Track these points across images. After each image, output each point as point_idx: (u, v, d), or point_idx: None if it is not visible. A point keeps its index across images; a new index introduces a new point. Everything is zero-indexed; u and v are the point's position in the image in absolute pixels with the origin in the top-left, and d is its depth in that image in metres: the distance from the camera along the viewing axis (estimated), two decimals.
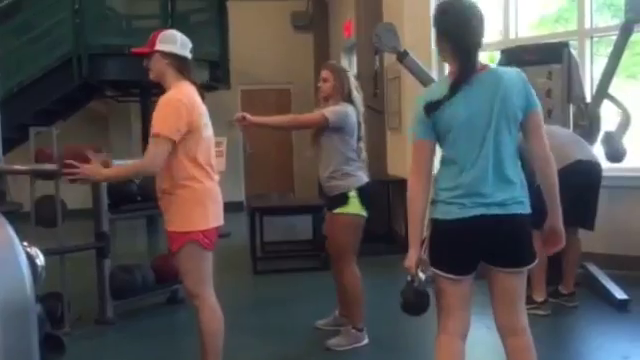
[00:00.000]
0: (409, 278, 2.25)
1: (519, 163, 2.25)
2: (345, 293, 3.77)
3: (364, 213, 3.67)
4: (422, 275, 2.23)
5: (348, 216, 3.64)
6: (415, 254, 2.24)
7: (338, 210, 3.66)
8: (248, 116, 3.54)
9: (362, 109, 3.79)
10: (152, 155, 2.85)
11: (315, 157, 3.79)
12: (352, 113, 3.67)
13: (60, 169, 3.20)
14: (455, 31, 2.21)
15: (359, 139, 3.74)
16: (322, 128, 3.65)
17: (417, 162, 2.27)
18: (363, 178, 3.70)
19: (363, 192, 3.65)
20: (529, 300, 4.26)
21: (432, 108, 2.19)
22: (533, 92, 2.25)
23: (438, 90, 2.25)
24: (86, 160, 2.98)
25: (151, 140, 2.85)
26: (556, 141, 3.53)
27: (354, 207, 3.63)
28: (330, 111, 3.62)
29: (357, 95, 3.75)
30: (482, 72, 2.21)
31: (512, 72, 2.27)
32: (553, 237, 2.35)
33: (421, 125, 2.23)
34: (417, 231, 2.25)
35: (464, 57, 2.19)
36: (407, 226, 6.72)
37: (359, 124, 3.73)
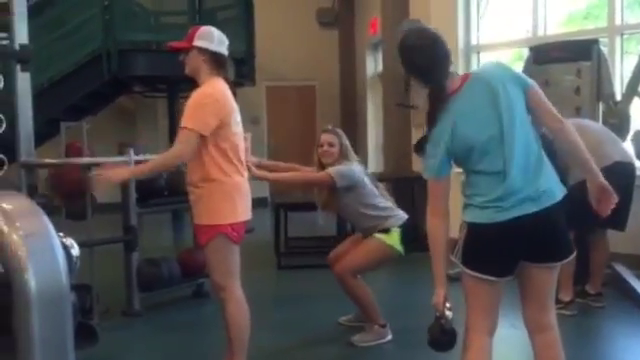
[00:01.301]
0: (437, 314, 2.26)
1: (540, 142, 2.22)
2: (354, 300, 3.77)
3: (401, 251, 3.64)
4: (449, 313, 2.24)
5: (386, 246, 3.62)
6: (442, 292, 2.25)
7: (379, 236, 3.63)
8: (253, 169, 3.44)
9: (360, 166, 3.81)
10: (180, 147, 2.89)
11: (332, 218, 3.79)
12: (357, 168, 3.72)
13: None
14: (421, 69, 2.23)
15: (376, 187, 3.77)
16: (334, 191, 3.66)
17: (434, 201, 2.26)
18: (402, 215, 3.71)
19: (406, 230, 3.64)
20: (556, 300, 4.23)
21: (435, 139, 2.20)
22: (519, 73, 2.27)
23: (447, 122, 2.22)
24: (75, 177, 3.05)
25: (180, 132, 2.89)
26: (592, 138, 3.48)
27: (395, 240, 3.62)
28: (336, 171, 3.64)
29: (354, 155, 3.80)
30: (467, 82, 2.22)
31: (491, 67, 2.32)
32: (603, 195, 2.27)
33: (438, 164, 2.22)
34: (441, 269, 2.25)
35: (432, 86, 2.21)
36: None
37: (372, 177, 3.80)
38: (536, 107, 2.22)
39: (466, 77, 2.25)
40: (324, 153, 3.75)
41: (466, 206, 2.25)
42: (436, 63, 2.21)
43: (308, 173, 3.92)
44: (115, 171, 3.01)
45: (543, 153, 2.22)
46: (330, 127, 3.94)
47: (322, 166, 3.77)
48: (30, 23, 3.94)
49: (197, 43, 2.98)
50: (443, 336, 2.26)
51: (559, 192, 2.21)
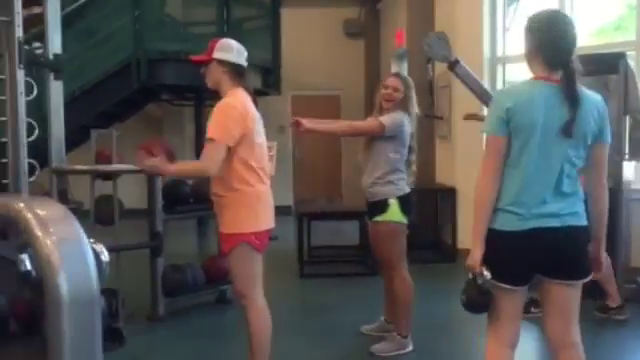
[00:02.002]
0: (470, 276, 2.25)
1: (579, 182, 2.26)
2: (395, 299, 3.79)
3: (405, 220, 3.69)
4: (486, 273, 2.22)
5: (389, 224, 3.66)
6: (479, 252, 2.23)
7: (378, 218, 3.68)
8: (303, 121, 3.54)
9: (415, 124, 3.79)
10: (209, 158, 2.94)
11: (363, 162, 3.81)
12: (407, 123, 3.70)
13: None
14: (555, 42, 2.23)
15: (410, 151, 3.77)
16: (376, 136, 3.67)
17: (490, 158, 2.24)
18: (405, 188, 3.72)
19: (404, 200, 3.68)
20: (604, 308, 4.22)
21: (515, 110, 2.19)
22: (608, 125, 2.27)
23: (522, 91, 2.25)
24: (153, 154, 3.07)
25: (207, 144, 2.95)
26: None
27: (394, 214, 3.65)
28: (388, 118, 3.64)
29: (415, 109, 3.77)
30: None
31: (596, 97, 2.28)
32: (596, 263, 2.35)
33: (499, 121, 2.21)
34: (483, 229, 2.23)
35: (566, 68, 2.21)
36: (454, 235, 6.67)
37: (412, 136, 3.75)
38: (595, 162, 2.27)
39: None
40: (387, 96, 3.72)
41: (493, 210, 2.25)
42: (564, 41, 2.23)
43: (358, 122, 3.91)
44: (158, 162, 3.02)
45: (580, 191, 2.26)
46: (398, 72, 3.94)
47: (382, 110, 3.74)
48: (63, 33, 4.05)
49: (217, 55, 3.03)
50: (480, 296, 2.24)
51: (584, 220, 2.25)
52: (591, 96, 2.26)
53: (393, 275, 3.74)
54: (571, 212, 2.21)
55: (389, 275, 3.79)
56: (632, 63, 4.99)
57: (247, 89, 3.10)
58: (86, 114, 7.34)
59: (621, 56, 4.88)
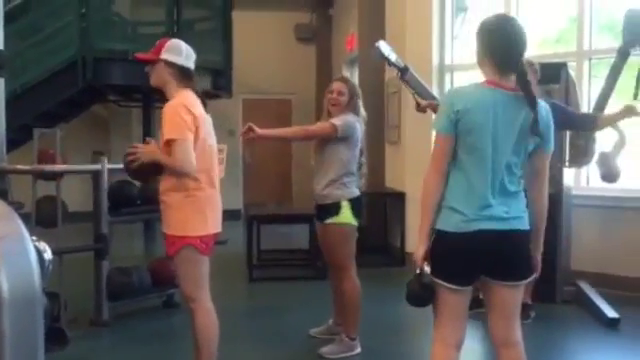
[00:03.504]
0: (417, 271, 2.30)
1: (522, 182, 2.32)
2: (343, 301, 3.81)
3: (355, 222, 3.72)
4: (427, 269, 2.27)
5: (340, 226, 3.70)
6: (424, 248, 2.27)
7: (330, 220, 3.70)
8: (255, 128, 3.52)
9: (364, 126, 3.84)
10: (179, 160, 2.85)
11: (316, 165, 3.83)
12: (358, 125, 3.74)
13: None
14: (505, 47, 2.27)
15: (361, 153, 3.82)
16: (328, 138, 3.69)
17: (437, 157, 2.29)
18: (355, 192, 3.76)
19: (355, 202, 3.72)
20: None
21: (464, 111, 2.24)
22: (552, 135, 2.33)
23: (471, 95, 2.29)
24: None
25: (171, 147, 2.84)
26: None
27: (346, 217, 3.68)
28: (339, 120, 3.67)
29: (363, 112, 3.82)
30: (516, 91, 2.27)
31: (542, 105, 2.34)
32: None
33: (448, 121, 2.25)
34: (427, 225, 2.28)
35: (518, 72, 2.26)
36: (403, 239, 6.73)
37: (362, 139, 3.80)
38: (536, 170, 2.33)
39: (517, 88, 2.30)
40: (332, 100, 3.75)
41: (439, 209, 2.30)
42: (514, 45, 2.27)
43: (310, 125, 3.95)
44: (149, 148, 2.94)
45: (522, 191, 2.32)
46: (343, 75, 3.98)
47: (330, 114, 3.77)
48: (5, 29, 3.92)
49: (165, 56, 2.97)
50: (421, 290, 2.28)
51: (527, 224, 2.31)
52: (541, 105, 2.32)
53: (343, 277, 3.77)
54: (516, 216, 2.27)
55: (338, 277, 3.81)
56: (572, 73, 5.19)
57: (195, 91, 3.05)
58: (28, 113, 7.12)
59: (562, 66, 5.07)
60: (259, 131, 3.54)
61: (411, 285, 2.31)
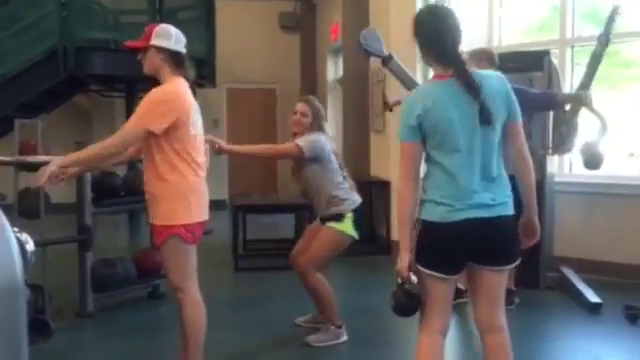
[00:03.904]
0: (399, 280, 2.29)
1: (502, 162, 2.31)
2: (312, 294, 3.81)
3: (354, 235, 3.71)
4: (414, 278, 2.28)
5: (339, 234, 3.69)
6: (407, 257, 2.28)
7: (331, 224, 3.70)
8: (222, 144, 3.55)
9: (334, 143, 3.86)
10: (121, 135, 2.89)
11: (302, 190, 3.83)
12: (325, 141, 3.75)
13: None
14: (438, 37, 2.27)
15: (341, 167, 3.81)
16: (301, 160, 3.71)
17: (406, 166, 2.29)
18: (357, 199, 3.77)
19: (357, 214, 3.72)
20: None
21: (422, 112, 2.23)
22: (516, 100, 2.32)
23: (427, 94, 2.29)
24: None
25: (127, 122, 2.89)
26: None
27: (348, 227, 3.68)
28: (304, 141, 3.67)
29: (326, 126, 3.84)
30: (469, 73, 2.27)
31: (494, 76, 2.35)
32: (530, 230, 2.42)
33: (411, 129, 2.26)
34: (407, 235, 2.28)
35: (455, 60, 2.25)
36: (389, 228, 6.75)
37: (336, 154, 3.81)
38: (510, 136, 2.31)
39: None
40: (295, 122, 3.77)
41: (422, 202, 2.31)
42: (447, 34, 2.26)
43: (276, 145, 3.98)
44: (39, 174, 2.83)
45: (504, 173, 2.31)
46: (307, 96, 3.99)
47: (295, 136, 3.78)
48: None
49: (154, 42, 2.95)
50: (408, 301, 2.28)
51: (512, 208, 2.31)
52: (492, 78, 2.31)
53: (307, 277, 3.72)
54: (501, 202, 2.27)
55: (303, 277, 3.75)
56: (555, 61, 5.22)
57: (186, 78, 3.03)
58: (8, 104, 7.04)
59: (545, 54, 5.10)
60: (225, 147, 3.58)
61: (397, 296, 2.30)
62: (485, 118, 2.21)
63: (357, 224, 3.71)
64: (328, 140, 3.79)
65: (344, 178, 3.80)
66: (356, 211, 3.72)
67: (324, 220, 3.77)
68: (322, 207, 3.75)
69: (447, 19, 2.30)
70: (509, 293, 3.72)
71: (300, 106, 3.81)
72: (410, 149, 2.28)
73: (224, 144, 3.59)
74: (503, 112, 2.26)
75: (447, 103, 2.23)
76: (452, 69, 2.25)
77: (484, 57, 4.20)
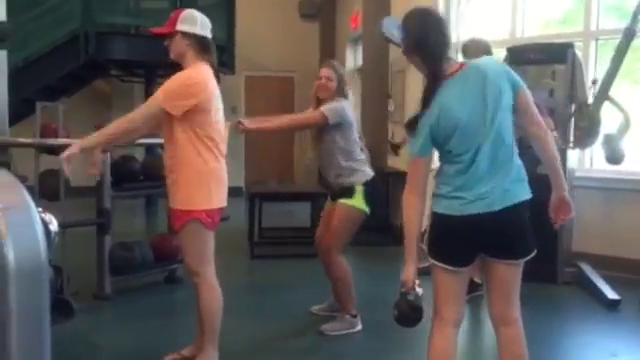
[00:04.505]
0: (403, 290, 2.29)
1: (516, 149, 2.28)
2: (335, 283, 3.82)
3: (367, 209, 3.70)
4: (419, 290, 2.27)
5: (351, 208, 3.68)
6: (412, 269, 2.28)
7: (342, 200, 3.69)
8: (245, 122, 3.54)
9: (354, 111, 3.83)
10: (140, 112, 2.92)
11: (317, 157, 3.81)
12: (348, 107, 3.73)
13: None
14: (422, 42, 2.25)
15: (360, 138, 3.81)
16: (322, 127, 3.68)
17: (413, 180, 2.30)
18: (369, 172, 3.75)
19: (368, 188, 3.69)
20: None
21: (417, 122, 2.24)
22: (514, 74, 2.29)
23: (437, 103, 2.24)
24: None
25: (148, 100, 2.90)
26: None
27: (359, 201, 3.67)
28: (328, 109, 3.65)
29: (349, 91, 3.81)
30: (463, 69, 2.25)
31: (490, 61, 2.36)
32: (563, 207, 2.39)
33: (425, 144, 2.25)
34: (413, 247, 2.29)
35: (433, 64, 2.24)
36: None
37: (355, 121, 3.79)
38: (523, 110, 2.27)
39: (463, 65, 2.30)
40: (321, 86, 3.74)
41: (434, 196, 2.31)
42: (436, 38, 2.25)
43: (300, 116, 3.94)
44: (66, 153, 2.84)
45: (516, 154, 2.28)
46: (330, 61, 3.99)
47: (319, 101, 3.76)
48: (7, 0, 3.87)
49: (180, 27, 2.96)
50: (411, 312, 2.28)
51: (524, 193, 2.27)
52: (486, 64, 2.30)
53: (331, 260, 3.72)
54: (510, 189, 2.23)
55: (327, 261, 3.75)
56: (579, 53, 5.15)
57: (212, 64, 3.03)
58: (30, 87, 7.10)
59: (569, 46, 5.02)
60: (248, 124, 3.55)
61: (400, 307, 2.30)
62: (494, 103, 2.19)
63: (369, 199, 3.68)
64: (350, 107, 3.76)
65: (361, 150, 3.78)
66: (367, 185, 3.70)
67: (334, 197, 3.76)
68: (332, 176, 3.74)
69: (438, 26, 2.28)
70: (472, 284, 3.64)
71: (325, 70, 3.78)
72: (421, 165, 2.29)
73: (247, 121, 3.56)
74: (508, 89, 2.24)
75: (453, 107, 2.21)
76: (451, 63, 2.24)
77: (482, 47, 4.18)
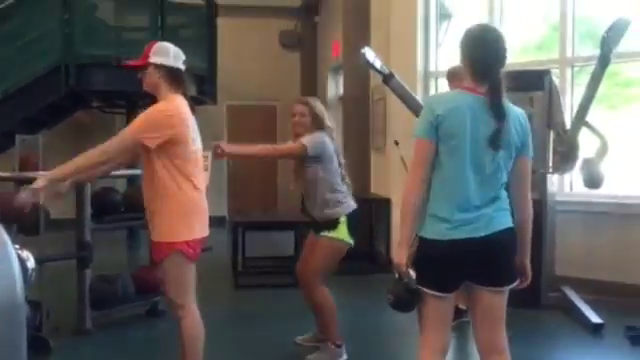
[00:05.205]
0: (397, 276, 2.29)
1: (503, 188, 2.33)
2: (318, 313, 3.79)
3: (351, 241, 3.70)
4: (412, 273, 2.26)
5: (334, 241, 3.68)
6: (405, 252, 2.27)
7: (325, 233, 3.69)
8: (223, 146, 3.55)
9: (335, 137, 3.84)
10: (111, 144, 2.92)
11: (299, 189, 3.82)
12: (328, 140, 3.75)
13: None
14: (484, 54, 2.32)
15: (340, 165, 3.81)
16: (303, 159, 3.70)
17: (418, 164, 2.29)
18: (352, 204, 3.76)
19: (351, 219, 3.70)
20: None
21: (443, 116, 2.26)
22: (531, 141, 2.35)
23: (452, 99, 2.33)
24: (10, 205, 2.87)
25: (121, 132, 2.92)
26: None
27: (342, 233, 3.67)
28: (308, 140, 3.67)
29: (329, 125, 3.82)
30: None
31: (519, 111, 2.37)
32: (521, 272, 2.42)
33: (429, 126, 2.26)
34: (408, 230, 2.28)
35: (493, 79, 2.29)
36: (388, 245, 6.73)
37: (337, 152, 3.80)
38: (519, 175, 2.34)
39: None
40: (296, 123, 3.77)
41: (422, 217, 2.30)
42: (497, 58, 2.31)
43: (279, 145, 3.96)
44: (27, 192, 2.83)
45: (505, 197, 2.32)
46: (303, 97, 4.00)
47: (297, 136, 3.77)
48: None
49: (153, 60, 2.97)
50: (407, 295, 2.27)
51: (508, 221, 2.31)
52: (515, 110, 2.35)
53: (312, 290, 3.71)
54: (500, 218, 2.27)
55: (308, 291, 3.74)
56: (556, 80, 5.24)
57: (185, 95, 3.04)
58: (10, 120, 7.03)
59: (546, 73, 5.11)
60: (226, 148, 3.56)
61: (395, 291, 2.29)
62: (495, 142, 2.23)
63: (352, 230, 3.69)
64: (331, 141, 3.77)
65: (343, 179, 3.79)
66: (351, 216, 3.70)
67: (318, 230, 3.75)
68: (316, 209, 3.73)
69: (495, 42, 2.35)
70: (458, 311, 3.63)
71: (297, 107, 3.82)
72: (425, 146, 2.27)
73: (225, 145, 3.57)
74: (517, 144, 2.29)
75: (467, 113, 2.24)
76: (487, 87, 2.27)
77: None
